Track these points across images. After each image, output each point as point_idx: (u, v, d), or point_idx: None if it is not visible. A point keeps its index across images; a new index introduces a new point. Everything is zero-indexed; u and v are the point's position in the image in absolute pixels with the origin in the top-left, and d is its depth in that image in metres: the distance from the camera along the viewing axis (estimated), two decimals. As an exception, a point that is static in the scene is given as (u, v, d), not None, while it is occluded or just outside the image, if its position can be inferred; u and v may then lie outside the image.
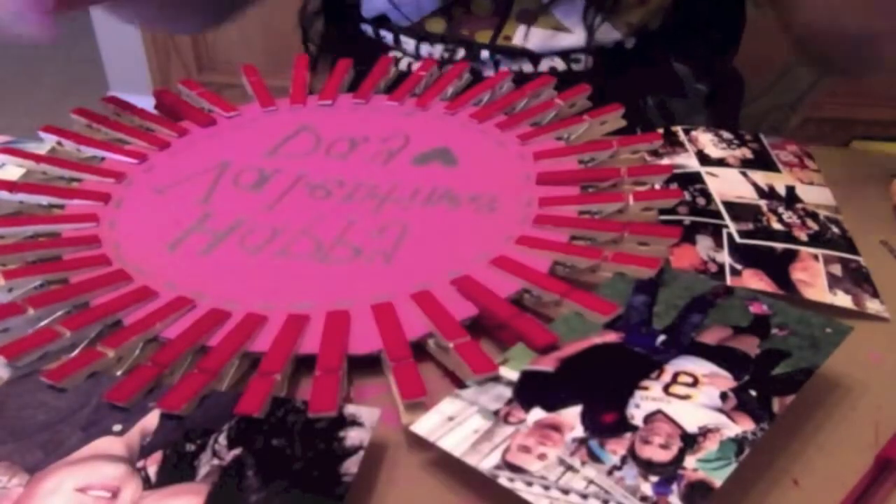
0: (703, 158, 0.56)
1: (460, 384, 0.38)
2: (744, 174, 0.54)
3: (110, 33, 2.24)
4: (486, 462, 0.33)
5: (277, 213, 0.51)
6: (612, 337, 0.40)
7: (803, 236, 0.48)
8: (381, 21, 0.73)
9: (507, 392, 0.37)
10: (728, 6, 0.75)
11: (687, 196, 0.51)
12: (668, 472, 0.32)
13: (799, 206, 0.51)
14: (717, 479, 0.32)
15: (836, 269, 0.46)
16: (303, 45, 0.78)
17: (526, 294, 0.44)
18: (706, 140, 0.58)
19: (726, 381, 0.37)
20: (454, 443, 0.34)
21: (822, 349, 0.38)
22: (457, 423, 0.35)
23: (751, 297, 0.42)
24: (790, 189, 0.53)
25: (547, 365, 0.38)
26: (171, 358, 0.40)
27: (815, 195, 0.53)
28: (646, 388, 0.36)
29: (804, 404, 0.38)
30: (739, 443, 0.33)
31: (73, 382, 0.39)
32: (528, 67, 0.70)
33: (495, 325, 0.42)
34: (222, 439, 0.35)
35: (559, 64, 0.69)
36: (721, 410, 0.35)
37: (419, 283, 0.45)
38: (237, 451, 0.35)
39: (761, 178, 0.54)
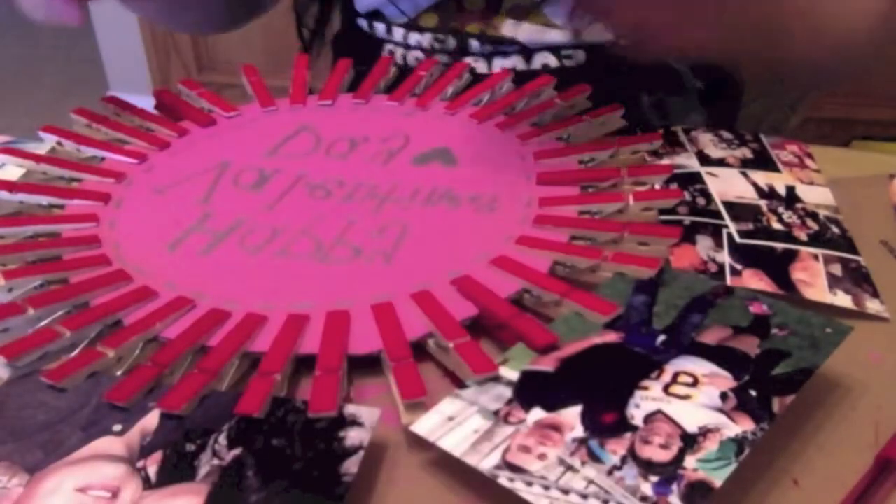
0: (703, 158, 0.56)
1: (460, 384, 0.38)
2: (744, 174, 0.54)
3: (110, 33, 2.24)
4: (486, 462, 0.33)
5: (277, 213, 0.51)
6: (612, 337, 0.40)
7: (803, 236, 0.48)
8: (376, 15, 0.74)
9: (507, 392, 0.37)
10: None
11: (687, 196, 0.51)
12: (668, 472, 0.32)
13: (799, 206, 0.51)
14: (717, 479, 0.32)
15: (836, 269, 0.46)
16: (297, 30, 0.78)
17: (526, 294, 0.44)
18: (706, 140, 0.58)
19: (726, 381, 0.37)
20: (454, 443, 0.34)
21: (822, 349, 0.38)
22: (457, 423, 0.35)
23: (751, 297, 0.42)
24: (790, 189, 0.53)
25: (547, 365, 0.38)
26: (171, 358, 0.40)
27: (815, 195, 0.53)
28: (646, 388, 0.36)
29: (804, 404, 0.38)
30: (739, 443, 0.33)
31: (73, 382, 0.39)
32: (521, 65, 0.70)
33: (495, 325, 0.42)
34: (222, 439, 0.35)
35: (552, 60, 0.69)
36: (721, 410, 0.35)
37: (419, 283, 0.45)
38: (237, 451, 0.35)
39: (761, 178, 0.54)
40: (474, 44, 0.70)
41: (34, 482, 0.34)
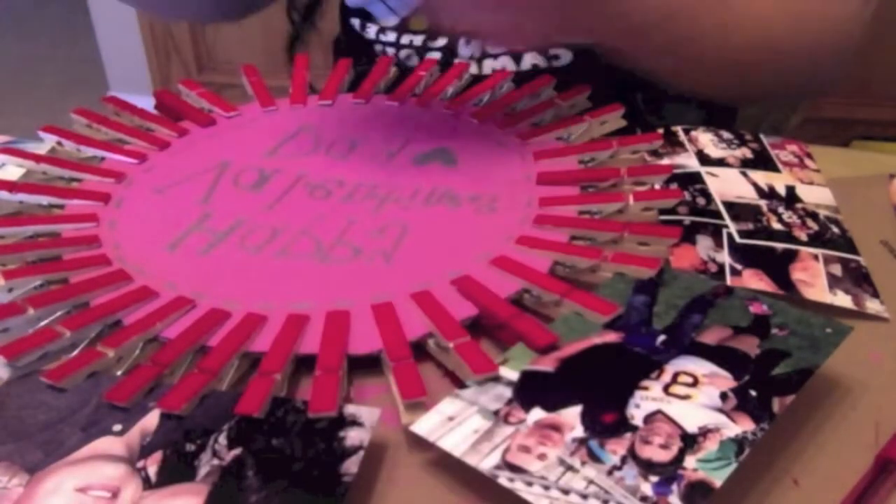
0: (703, 158, 0.56)
1: (460, 384, 0.38)
2: (744, 174, 0.54)
3: (110, 33, 2.25)
4: (486, 462, 0.33)
5: (277, 213, 0.51)
6: (612, 337, 0.40)
7: (803, 236, 0.48)
8: (366, 16, 0.74)
9: (507, 392, 0.37)
10: None
11: (687, 196, 0.51)
12: (668, 472, 0.32)
13: (799, 206, 0.51)
14: (717, 479, 0.32)
15: (836, 269, 0.46)
16: (286, 15, 0.78)
17: (526, 294, 0.44)
18: (706, 140, 0.58)
19: (726, 381, 0.37)
20: (454, 443, 0.34)
21: (822, 349, 0.38)
22: (457, 423, 0.35)
23: (751, 297, 0.42)
24: (790, 189, 0.53)
25: (547, 365, 0.38)
26: (171, 358, 0.40)
27: (815, 195, 0.53)
28: (646, 388, 0.36)
29: (804, 404, 0.38)
30: (739, 443, 0.33)
31: (73, 382, 0.39)
32: (510, 66, 0.69)
33: (495, 325, 0.42)
34: (222, 439, 0.35)
35: (540, 61, 0.69)
36: (721, 410, 0.35)
37: (419, 283, 0.45)
38: (237, 451, 0.35)
39: (761, 178, 0.54)
40: (464, 46, 0.70)
41: (34, 482, 0.34)
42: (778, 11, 0.55)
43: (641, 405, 0.35)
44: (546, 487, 0.32)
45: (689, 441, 0.34)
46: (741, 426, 0.34)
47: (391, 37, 0.73)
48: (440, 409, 0.36)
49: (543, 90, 0.62)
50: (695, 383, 0.37)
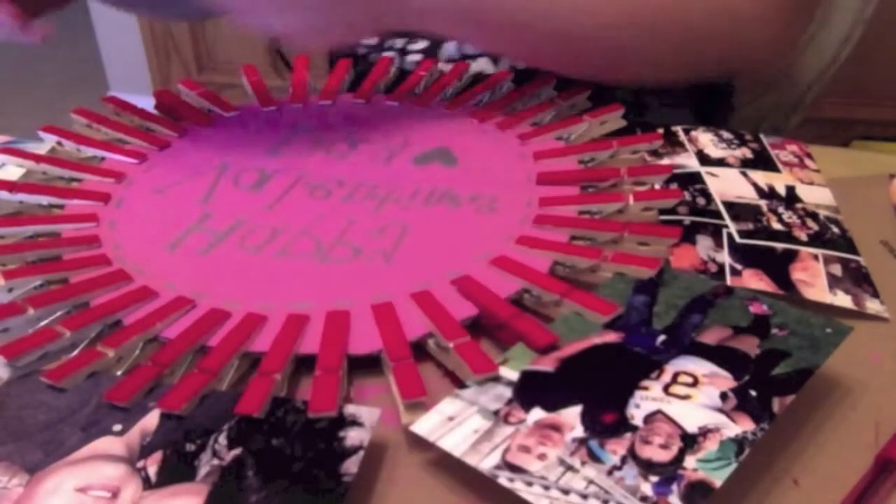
0: (703, 158, 0.56)
1: (460, 384, 0.38)
2: (744, 174, 0.54)
3: (110, 33, 2.25)
4: (486, 462, 0.33)
5: (277, 213, 0.51)
6: (612, 337, 0.40)
7: (803, 236, 0.48)
8: None
9: (507, 392, 0.37)
10: None
11: (687, 196, 0.51)
12: (668, 472, 0.32)
13: (799, 206, 0.51)
14: (717, 479, 0.32)
15: (836, 269, 0.46)
16: None
17: (526, 294, 0.44)
18: (706, 140, 0.58)
19: (726, 381, 0.37)
20: (454, 443, 0.34)
21: (822, 349, 0.38)
22: (457, 423, 0.35)
23: (751, 297, 0.42)
24: (790, 189, 0.53)
25: (547, 365, 0.38)
26: (171, 358, 0.40)
27: (815, 195, 0.53)
28: (646, 388, 0.36)
29: (804, 404, 0.38)
30: (739, 443, 0.33)
31: (73, 382, 0.39)
32: (490, 68, 0.69)
33: (495, 325, 0.42)
34: (222, 439, 0.35)
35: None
36: (721, 410, 0.35)
37: (419, 283, 0.45)
38: (237, 451, 0.35)
39: (761, 178, 0.54)
40: (449, 46, 0.69)
41: (34, 482, 0.34)
42: None
43: (641, 405, 0.35)
44: (546, 487, 0.32)
45: (689, 441, 0.34)
46: (741, 426, 0.34)
47: (373, 40, 0.74)
48: (440, 409, 0.36)
49: (543, 90, 0.62)
50: (695, 383, 0.37)
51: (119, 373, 0.40)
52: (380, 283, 0.45)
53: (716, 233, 0.48)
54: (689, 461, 0.33)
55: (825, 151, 0.58)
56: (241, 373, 0.40)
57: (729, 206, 0.51)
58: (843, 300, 0.44)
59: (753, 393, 0.36)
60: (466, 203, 0.51)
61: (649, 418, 0.35)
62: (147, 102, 0.65)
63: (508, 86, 0.64)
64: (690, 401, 0.36)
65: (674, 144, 0.57)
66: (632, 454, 0.33)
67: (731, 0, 0.56)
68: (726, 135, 0.59)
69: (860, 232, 0.49)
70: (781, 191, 0.53)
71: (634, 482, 0.32)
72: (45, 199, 0.54)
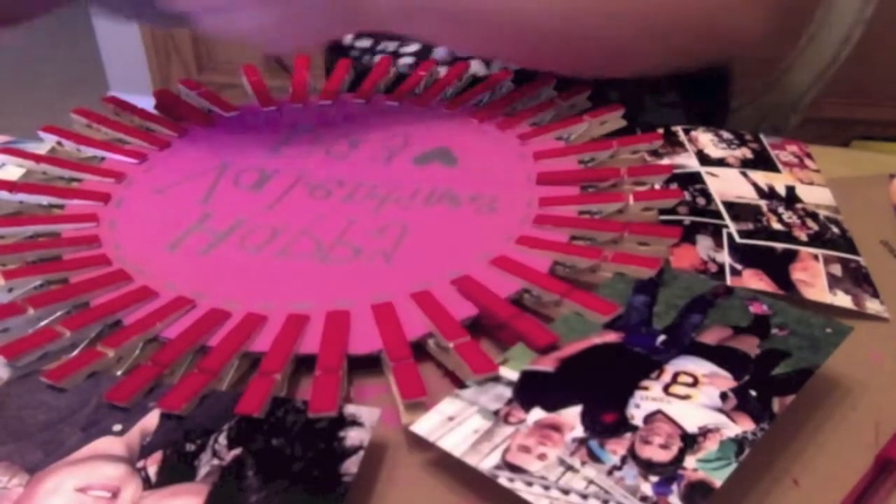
0: (703, 158, 0.56)
1: (460, 384, 0.38)
2: (744, 174, 0.54)
3: (110, 33, 2.24)
4: (486, 462, 0.33)
5: (277, 213, 0.51)
6: (612, 337, 0.40)
7: (803, 236, 0.48)
8: None
9: (507, 392, 0.37)
10: None
11: (687, 196, 0.51)
12: (668, 472, 0.32)
13: (799, 206, 0.51)
14: (717, 479, 0.32)
15: (836, 269, 0.46)
16: None
17: (526, 294, 0.44)
18: (706, 140, 0.58)
19: (726, 381, 0.37)
20: (454, 443, 0.34)
21: (822, 349, 0.38)
22: (457, 423, 0.35)
23: (751, 297, 0.42)
24: (790, 189, 0.53)
25: (547, 365, 0.38)
26: (171, 358, 0.40)
27: (815, 195, 0.53)
28: (646, 388, 0.36)
29: (804, 404, 0.38)
30: (739, 443, 0.33)
31: (73, 382, 0.39)
32: (482, 70, 0.69)
33: (495, 325, 0.42)
34: (222, 439, 0.35)
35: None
36: (721, 410, 0.35)
37: (419, 283, 0.45)
38: (237, 451, 0.35)
39: (761, 178, 0.54)
40: (440, 49, 0.69)
41: (34, 482, 0.34)
42: None
43: (641, 405, 0.35)
44: (546, 487, 0.32)
45: (689, 441, 0.34)
46: (741, 426, 0.34)
47: (366, 42, 0.73)
48: (440, 409, 0.36)
49: (543, 90, 0.62)
50: (695, 383, 0.37)
51: (119, 373, 0.40)
52: (380, 283, 0.45)
53: (716, 233, 0.48)
54: (689, 461, 0.33)
55: (825, 151, 0.58)
56: (241, 373, 0.40)
57: (729, 206, 0.51)
58: (843, 300, 0.44)
59: (753, 393, 0.36)
60: (466, 203, 0.51)
61: (649, 418, 0.35)
62: (147, 102, 0.65)
63: (508, 86, 0.64)
64: (690, 401, 0.36)
65: (674, 144, 0.57)
66: (632, 454, 0.33)
67: None
68: (726, 135, 0.59)
69: (860, 232, 0.49)
70: (781, 191, 0.53)
71: (634, 482, 0.32)
72: (45, 199, 0.54)
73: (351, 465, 0.34)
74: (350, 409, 0.36)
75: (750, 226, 0.49)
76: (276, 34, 0.52)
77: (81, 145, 0.59)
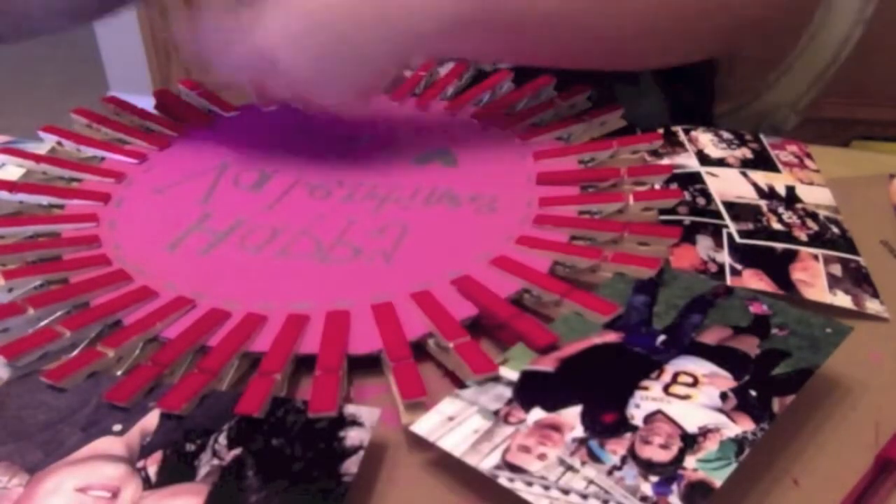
0: (703, 158, 0.56)
1: (460, 384, 0.38)
2: (744, 174, 0.54)
3: (110, 33, 2.24)
4: (486, 462, 0.33)
5: (277, 213, 0.51)
6: (612, 337, 0.40)
7: (803, 236, 0.48)
8: None
9: (507, 392, 0.37)
10: None
11: (687, 196, 0.51)
12: (668, 472, 0.32)
13: (799, 206, 0.51)
14: (717, 479, 0.32)
15: (836, 270, 0.46)
16: None
17: (526, 294, 0.44)
18: (706, 140, 0.58)
19: (726, 381, 0.37)
20: (454, 443, 0.34)
21: (822, 349, 0.38)
22: (457, 423, 0.35)
23: (751, 297, 0.42)
24: (790, 189, 0.53)
25: (547, 365, 0.38)
26: (171, 358, 0.40)
27: (815, 195, 0.53)
28: (646, 388, 0.36)
29: (804, 404, 0.38)
30: (739, 443, 0.33)
31: (73, 382, 0.39)
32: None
33: (495, 325, 0.42)
34: (222, 439, 0.35)
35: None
36: (721, 410, 0.35)
37: (419, 283, 0.45)
38: (237, 451, 0.35)
39: (761, 178, 0.54)
40: None
41: (34, 482, 0.34)
42: None
43: (641, 405, 0.35)
44: (546, 487, 0.32)
45: (689, 441, 0.34)
46: (741, 426, 0.34)
47: None
48: (440, 409, 0.36)
49: (543, 90, 0.62)
50: (695, 383, 0.37)
51: (119, 373, 0.40)
52: (380, 283, 0.45)
53: (716, 233, 0.48)
54: (689, 461, 0.33)
55: (825, 151, 0.58)
56: (241, 373, 0.40)
57: (729, 206, 0.51)
58: (843, 300, 0.44)
59: (753, 393, 0.36)
60: (466, 203, 0.51)
61: (649, 418, 0.35)
62: (147, 102, 0.65)
63: (508, 86, 0.64)
64: (690, 401, 0.36)
65: (674, 144, 0.57)
66: (632, 454, 0.33)
67: None
68: (726, 135, 0.59)
69: (860, 232, 0.49)
70: (781, 191, 0.53)
71: (634, 482, 0.32)
72: (45, 199, 0.54)
73: (351, 465, 0.34)
74: (350, 409, 0.36)
75: (750, 226, 0.49)
76: (332, 87, 0.52)
77: (81, 145, 0.59)
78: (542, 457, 0.33)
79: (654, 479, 0.32)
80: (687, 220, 0.49)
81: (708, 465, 0.32)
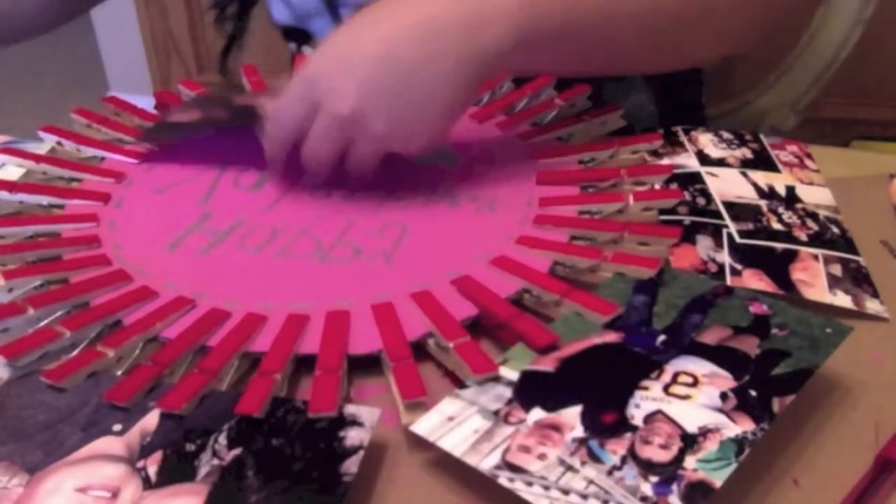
0: (703, 158, 0.56)
1: (460, 384, 0.38)
2: (744, 174, 0.54)
3: (110, 33, 2.24)
4: (486, 462, 0.33)
5: (277, 213, 0.51)
6: (612, 337, 0.40)
7: (803, 236, 0.48)
8: (304, 36, 0.73)
9: (507, 392, 0.37)
10: None
11: (687, 196, 0.51)
12: (668, 473, 0.32)
13: (799, 206, 0.51)
14: (717, 479, 0.32)
15: (836, 270, 0.46)
16: (215, 25, 0.77)
17: (526, 294, 0.44)
18: (706, 140, 0.58)
19: (726, 381, 0.37)
20: (454, 443, 0.34)
21: (822, 349, 0.38)
22: (457, 423, 0.35)
23: (751, 297, 0.42)
24: (790, 189, 0.53)
25: (547, 365, 0.38)
26: (171, 358, 0.40)
27: (815, 195, 0.53)
28: (646, 388, 0.36)
29: (804, 404, 0.38)
30: (739, 443, 0.33)
31: (73, 382, 0.39)
32: None
33: (495, 325, 0.42)
34: (222, 439, 0.35)
35: None
36: (721, 410, 0.35)
37: (419, 283, 0.45)
38: (237, 451, 0.35)
39: (761, 178, 0.54)
40: None
41: (34, 482, 0.34)
42: None
43: (641, 405, 0.35)
44: (546, 487, 0.32)
45: (689, 441, 0.34)
46: (741, 426, 0.34)
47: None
48: (440, 409, 0.36)
49: (543, 90, 0.62)
50: (695, 383, 0.37)
51: (119, 373, 0.40)
52: (380, 283, 0.45)
53: (716, 233, 0.48)
54: (689, 461, 0.33)
55: (825, 151, 0.58)
56: (241, 373, 0.40)
57: (729, 206, 0.51)
58: (843, 300, 0.44)
59: (753, 393, 0.36)
60: (466, 203, 0.51)
61: (649, 418, 0.35)
62: (147, 102, 0.65)
63: (508, 86, 0.64)
64: (690, 401, 0.36)
65: (674, 144, 0.57)
66: (632, 454, 0.33)
67: None
68: (726, 135, 0.59)
69: (860, 232, 0.49)
70: (781, 191, 0.53)
71: (634, 482, 0.32)
72: (45, 199, 0.54)
73: (351, 465, 0.34)
74: (350, 409, 0.36)
75: (750, 226, 0.49)
76: (414, 129, 0.49)
77: (81, 145, 0.59)
78: (542, 457, 0.33)
79: (654, 479, 0.32)
80: (687, 220, 0.49)
81: (708, 466, 0.32)
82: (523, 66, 0.53)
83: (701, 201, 0.51)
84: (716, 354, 0.38)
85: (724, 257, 0.47)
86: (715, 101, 0.86)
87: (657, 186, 0.52)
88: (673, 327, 0.40)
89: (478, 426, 0.35)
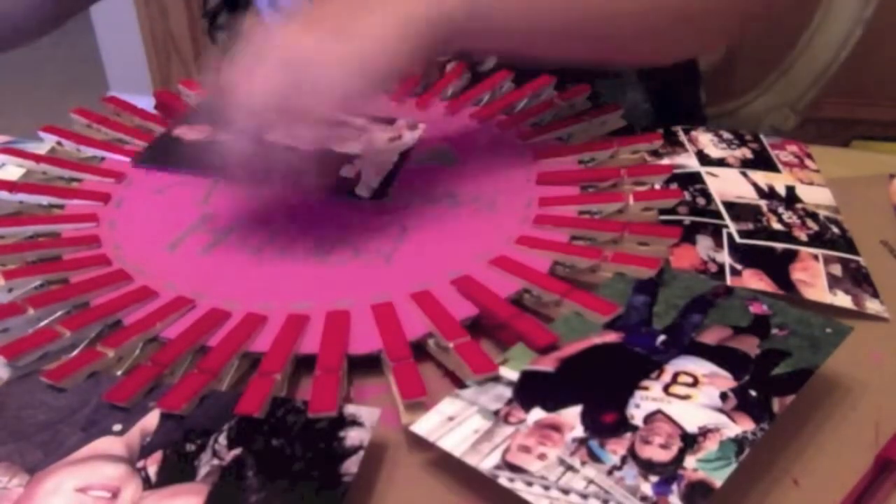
0: (703, 158, 0.56)
1: (460, 384, 0.38)
2: (744, 174, 0.54)
3: (110, 33, 2.24)
4: (486, 462, 0.33)
5: (278, 214, 0.51)
6: (612, 337, 0.40)
7: (803, 236, 0.48)
8: None
9: (507, 392, 0.37)
10: None
11: (687, 196, 0.51)
12: (668, 472, 0.32)
13: (799, 206, 0.51)
14: (718, 479, 0.32)
15: (836, 269, 0.46)
16: (208, 35, 0.76)
17: (526, 294, 0.44)
18: (706, 140, 0.58)
19: (726, 381, 0.37)
20: (454, 443, 0.34)
21: (822, 349, 0.38)
22: (457, 423, 0.35)
23: (751, 297, 0.42)
24: (790, 189, 0.53)
25: (547, 365, 0.38)
26: (171, 358, 0.40)
27: (815, 195, 0.53)
28: (646, 388, 0.36)
29: (804, 404, 0.38)
30: (739, 443, 0.33)
31: (73, 382, 0.39)
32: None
33: (495, 325, 0.42)
34: (222, 439, 0.35)
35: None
36: (721, 410, 0.35)
37: (419, 283, 0.45)
38: (237, 451, 0.35)
39: (761, 178, 0.54)
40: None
41: (34, 482, 0.34)
42: None
43: (641, 405, 0.35)
44: (546, 487, 0.32)
45: (689, 441, 0.34)
46: (741, 426, 0.34)
47: None
48: (440, 409, 0.36)
49: (543, 90, 0.62)
50: (695, 383, 0.37)
51: (119, 373, 0.40)
52: (380, 283, 0.45)
53: (716, 233, 0.48)
54: (689, 461, 0.33)
55: (825, 151, 0.58)
56: (241, 373, 0.40)
57: (729, 206, 0.51)
58: (843, 300, 0.44)
59: (753, 393, 0.36)
60: (466, 203, 0.51)
61: (649, 418, 0.35)
62: (147, 102, 0.65)
63: (508, 86, 0.64)
64: (690, 401, 0.36)
65: (674, 144, 0.57)
66: (632, 454, 0.33)
67: None
68: (726, 135, 0.59)
69: (860, 232, 0.49)
70: (781, 191, 0.53)
71: (634, 482, 0.32)
72: (45, 199, 0.54)
73: (351, 465, 0.34)
74: (350, 409, 0.36)
75: (750, 226, 0.49)
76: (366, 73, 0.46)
77: (81, 145, 0.59)
78: (542, 457, 0.33)
79: (654, 479, 0.32)
80: (687, 220, 0.49)
81: (708, 465, 0.32)
82: (478, 43, 0.52)
83: (701, 201, 0.51)
84: (716, 354, 0.38)
85: (724, 257, 0.47)
86: (715, 101, 0.86)
87: (657, 186, 0.52)
88: (673, 327, 0.40)
89: (478, 426, 0.35)
